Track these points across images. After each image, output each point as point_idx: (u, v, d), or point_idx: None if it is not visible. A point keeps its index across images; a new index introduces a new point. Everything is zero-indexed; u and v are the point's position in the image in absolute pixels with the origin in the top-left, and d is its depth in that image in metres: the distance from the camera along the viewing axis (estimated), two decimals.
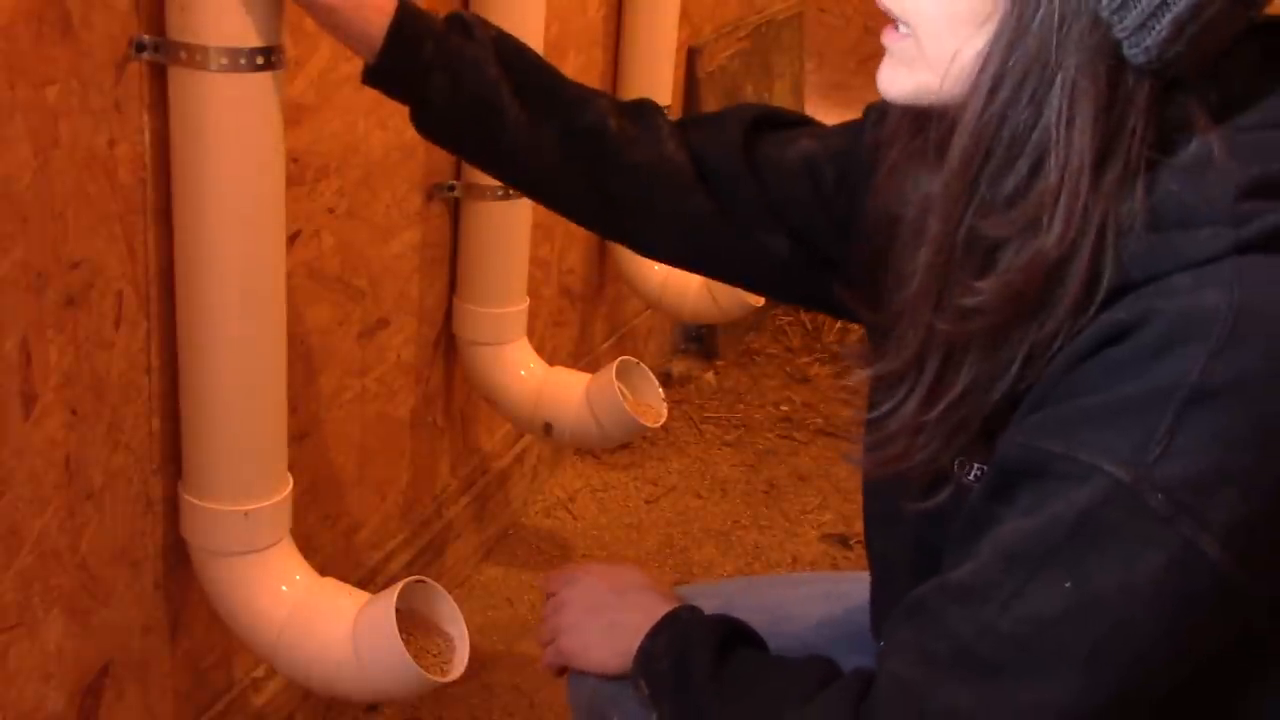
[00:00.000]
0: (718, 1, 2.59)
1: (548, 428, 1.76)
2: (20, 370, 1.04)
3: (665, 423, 1.80)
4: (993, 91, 0.72)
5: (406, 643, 1.15)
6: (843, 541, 2.16)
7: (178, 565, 1.27)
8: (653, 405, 1.79)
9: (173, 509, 1.24)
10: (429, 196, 1.64)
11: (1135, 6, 0.69)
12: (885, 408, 0.80)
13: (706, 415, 2.55)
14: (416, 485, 1.78)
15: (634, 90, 2.12)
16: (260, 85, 1.08)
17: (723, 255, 1.08)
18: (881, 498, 0.95)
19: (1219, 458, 0.66)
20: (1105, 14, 0.69)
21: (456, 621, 1.23)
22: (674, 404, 2.49)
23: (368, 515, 1.66)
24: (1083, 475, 0.68)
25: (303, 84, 1.32)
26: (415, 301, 1.66)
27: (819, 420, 2.56)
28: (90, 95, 1.05)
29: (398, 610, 1.16)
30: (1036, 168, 0.72)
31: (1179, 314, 0.68)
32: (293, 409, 1.32)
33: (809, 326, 2.91)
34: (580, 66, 2.01)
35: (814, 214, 1.02)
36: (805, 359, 2.81)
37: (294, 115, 1.31)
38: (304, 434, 1.46)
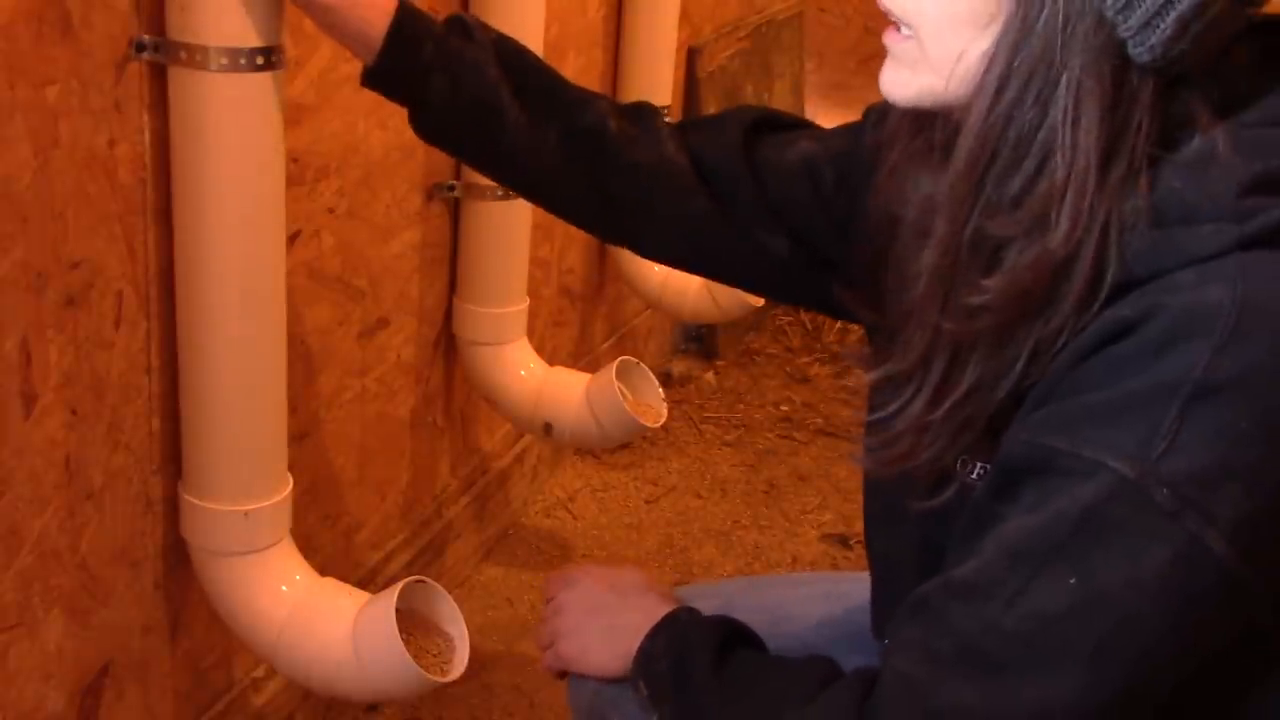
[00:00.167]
0: (718, 1, 2.59)
1: (548, 428, 1.76)
2: (20, 370, 1.04)
3: (665, 423, 1.80)
4: (998, 92, 0.72)
5: (406, 643, 1.15)
6: (843, 541, 2.16)
7: (178, 565, 1.27)
8: (653, 405, 1.79)
9: (173, 509, 1.24)
10: (429, 196, 1.64)
11: (1140, 6, 0.69)
12: (892, 408, 0.80)
13: (706, 415, 2.55)
14: (416, 485, 1.78)
15: (634, 90, 2.12)
16: (260, 85, 1.08)
17: (723, 256, 1.08)
18: (883, 497, 0.95)
19: (1224, 453, 0.66)
20: (1110, 13, 0.70)
21: (456, 621, 1.23)
22: (674, 404, 2.49)
23: (368, 515, 1.66)
24: (1087, 471, 0.68)
25: (303, 84, 1.32)
26: (415, 301, 1.66)
27: (819, 420, 2.57)
28: (90, 95, 1.05)
29: (398, 610, 1.16)
30: (1042, 167, 0.72)
31: (1183, 310, 0.68)
32: (293, 409, 1.32)
33: (809, 326, 2.91)
34: (580, 67, 2.01)
35: (814, 215, 1.02)
36: (805, 359, 2.81)
37: (294, 115, 1.31)
38: (304, 434, 1.46)
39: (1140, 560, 0.68)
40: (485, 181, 1.65)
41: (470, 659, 1.21)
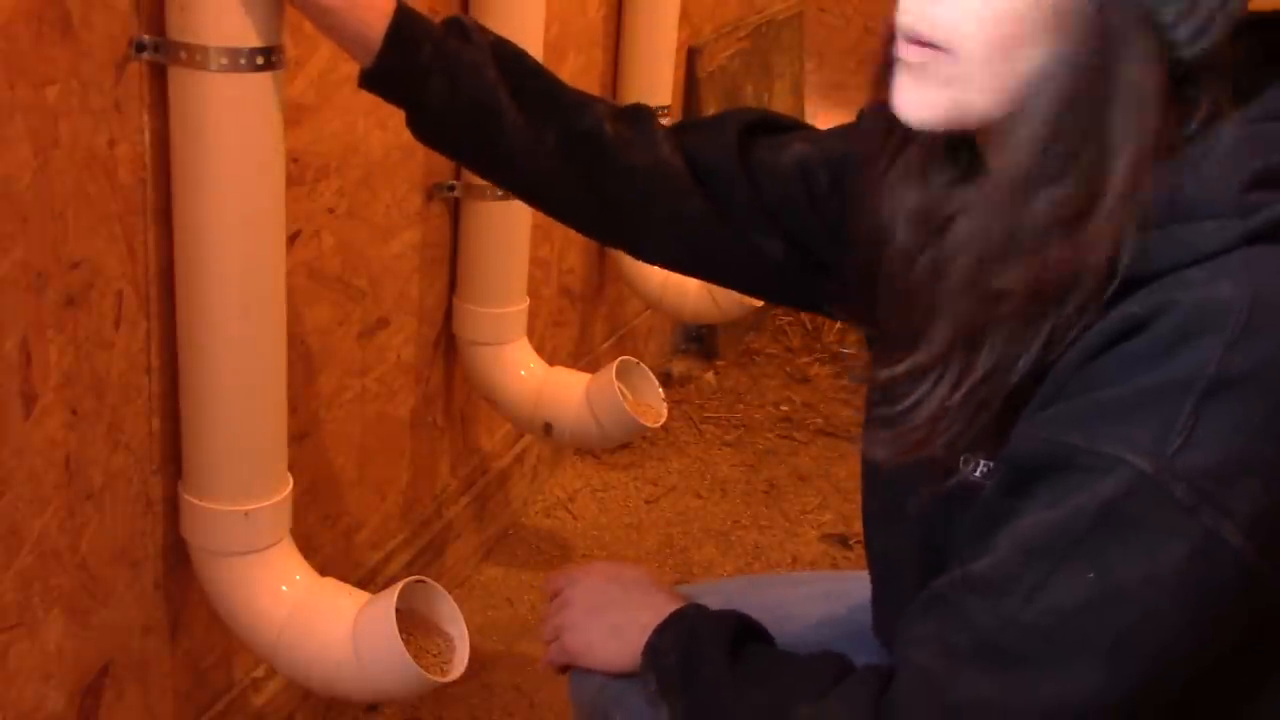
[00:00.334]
0: (718, 1, 2.59)
1: (548, 428, 1.76)
2: (20, 370, 1.04)
3: (665, 423, 1.80)
4: (1052, 104, 0.72)
5: (406, 643, 1.15)
6: (843, 541, 2.16)
7: (178, 565, 1.27)
8: (653, 405, 1.79)
9: (173, 509, 1.24)
10: (429, 196, 1.64)
11: (1196, 10, 0.69)
12: (912, 399, 0.79)
13: (706, 415, 2.55)
14: (416, 485, 1.78)
15: (634, 90, 2.12)
16: (260, 85, 1.08)
17: (718, 259, 1.08)
18: (883, 497, 0.95)
19: (1240, 448, 0.67)
20: (1166, 18, 0.70)
21: (456, 621, 1.23)
22: (674, 404, 2.49)
23: (368, 515, 1.66)
24: (1105, 467, 0.69)
25: (303, 84, 1.32)
26: (415, 301, 1.66)
27: (819, 420, 2.57)
28: (90, 95, 1.05)
29: (398, 610, 1.16)
30: (1089, 170, 0.72)
31: (1194, 306, 0.68)
32: (293, 409, 1.32)
33: (809, 326, 2.91)
34: (580, 67, 2.01)
35: (808, 217, 1.02)
36: (805, 359, 2.81)
37: (294, 115, 1.31)
38: (304, 434, 1.46)
39: (1158, 555, 0.68)
40: (485, 182, 1.65)
41: (470, 659, 1.21)
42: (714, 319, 2.36)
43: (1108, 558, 0.69)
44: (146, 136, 1.11)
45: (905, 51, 0.76)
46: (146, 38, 1.08)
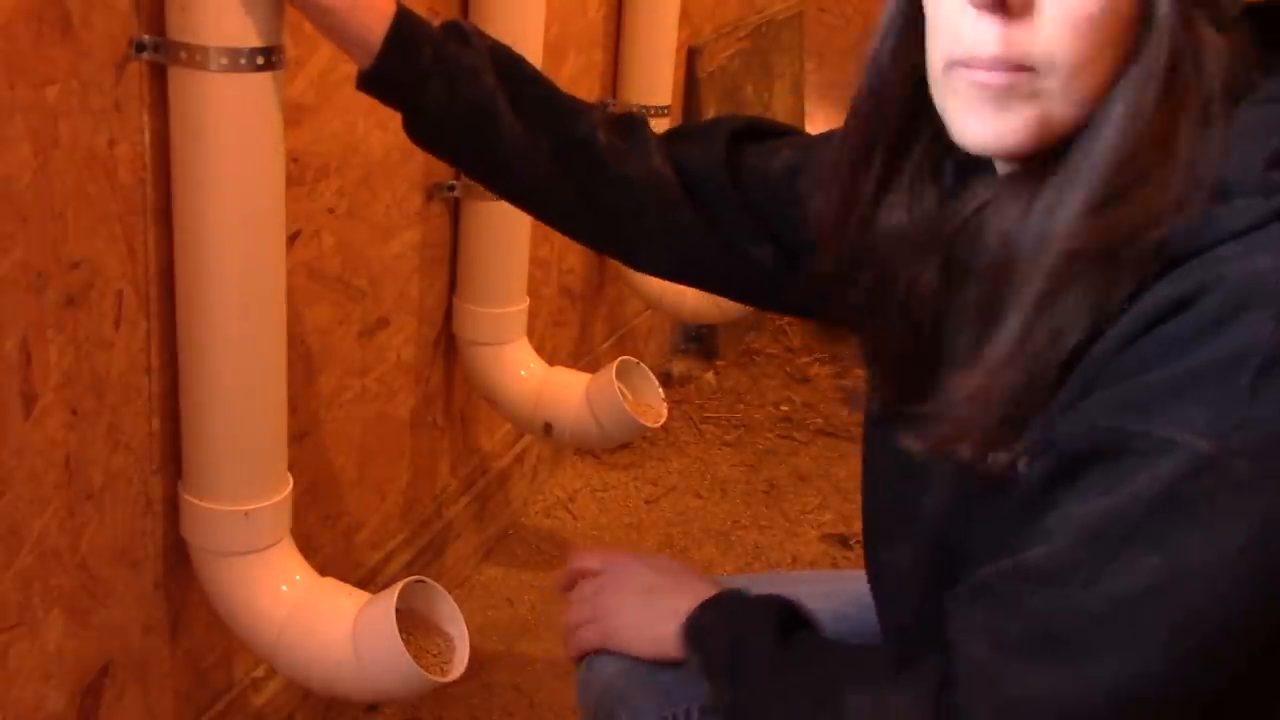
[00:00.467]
0: (718, 1, 2.59)
1: (548, 428, 1.76)
2: (20, 370, 1.04)
3: (665, 423, 1.81)
4: (1142, 104, 0.72)
5: (406, 643, 1.15)
6: (843, 541, 2.16)
7: (178, 565, 1.27)
8: (653, 405, 1.79)
9: (173, 509, 1.24)
10: (429, 196, 1.64)
11: None
12: (953, 389, 0.77)
13: (706, 415, 2.55)
14: (416, 485, 1.78)
15: (634, 91, 2.12)
16: (260, 85, 1.08)
17: (710, 267, 1.08)
18: (888, 496, 0.94)
19: None
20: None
21: (456, 621, 1.23)
22: (674, 404, 2.49)
23: (368, 515, 1.66)
24: (1162, 450, 0.68)
25: (303, 84, 1.32)
26: (415, 301, 1.66)
27: (819, 420, 2.57)
28: (90, 95, 1.05)
29: (398, 610, 1.17)
30: (1164, 162, 0.71)
31: (1236, 282, 0.67)
32: (293, 409, 1.32)
33: (809, 326, 2.91)
34: (580, 67, 2.01)
35: (796, 223, 1.02)
36: (805, 359, 2.81)
37: (294, 115, 1.31)
38: (304, 434, 1.46)
39: (1222, 535, 0.67)
40: None
41: (470, 659, 1.21)
42: (714, 319, 2.36)
43: (1171, 541, 0.67)
44: (146, 136, 1.11)
45: (991, 79, 0.75)
46: (146, 38, 1.08)
